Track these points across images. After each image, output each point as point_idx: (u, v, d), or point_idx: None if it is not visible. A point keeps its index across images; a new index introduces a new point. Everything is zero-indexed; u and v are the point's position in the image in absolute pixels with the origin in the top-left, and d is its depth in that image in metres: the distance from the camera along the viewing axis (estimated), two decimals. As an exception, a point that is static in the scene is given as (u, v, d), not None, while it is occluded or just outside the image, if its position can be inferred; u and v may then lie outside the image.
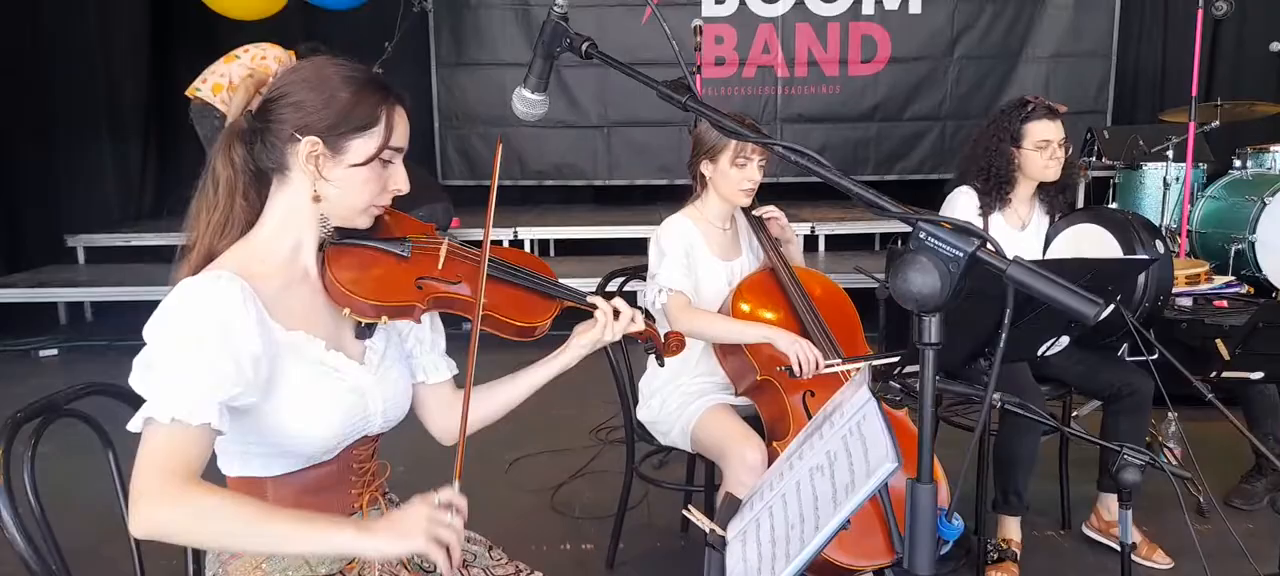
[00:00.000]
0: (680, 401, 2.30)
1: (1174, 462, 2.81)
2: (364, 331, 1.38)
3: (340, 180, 1.28)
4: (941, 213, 2.73)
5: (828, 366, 2.12)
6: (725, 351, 2.29)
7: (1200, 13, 4.17)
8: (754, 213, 2.42)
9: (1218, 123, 4.63)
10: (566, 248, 6.17)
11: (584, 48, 1.20)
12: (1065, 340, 2.09)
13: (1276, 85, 5.90)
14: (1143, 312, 2.60)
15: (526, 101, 1.23)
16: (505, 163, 6.78)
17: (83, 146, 6.22)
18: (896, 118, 7.29)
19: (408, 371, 1.46)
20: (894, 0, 7.14)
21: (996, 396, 1.75)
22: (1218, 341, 2.09)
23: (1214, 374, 2.24)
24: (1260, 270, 4.11)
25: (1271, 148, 4.66)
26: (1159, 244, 2.60)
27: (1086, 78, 7.08)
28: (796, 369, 2.10)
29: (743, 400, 2.31)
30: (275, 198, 1.31)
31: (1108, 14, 6.98)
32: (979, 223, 2.64)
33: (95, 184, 6.35)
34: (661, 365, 1.70)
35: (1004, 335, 0.92)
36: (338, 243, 1.35)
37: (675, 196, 2.42)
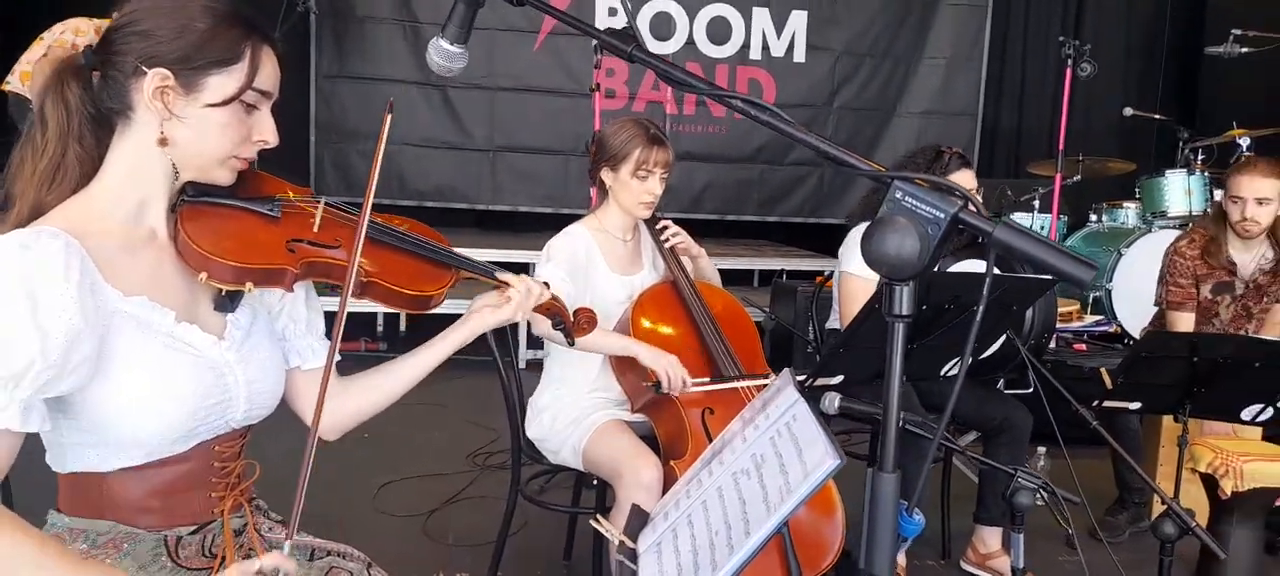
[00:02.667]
0: (572, 417, 2.17)
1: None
2: (225, 303, 1.18)
3: (194, 122, 1.09)
4: (847, 247, 2.72)
5: (696, 384, 2.06)
6: (622, 366, 2.18)
7: (1068, 72, 4.43)
8: (658, 230, 2.34)
9: (1079, 176, 4.92)
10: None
11: (514, -9, 1.07)
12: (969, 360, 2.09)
13: (1119, 145, 6.37)
14: (1029, 347, 2.67)
15: (444, 54, 1.09)
16: (383, 178, 6.49)
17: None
18: (779, 162, 7.44)
19: (279, 354, 1.27)
20: (780, 48, 7.33)
21: (902, 416, 1.72)
22: (1101, 370, 2.13)
23: (1096, 403, 2.29)
24: (1115, 316, 4.35)
25: (1125, 204, 4.98)
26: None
27: (955, 134, 7.45)
28: (665, 384, 2.04)
29: (639, 417, 2.19)
30: (118, 145, 1.11)
31: (975, 76, 7.39)
32: None
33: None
34: (571, 344, 1.58)
35: (977, 319, 0.84)
36: (194, 200, 1.16)
37: (560, 224, 2.32)
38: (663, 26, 7.01)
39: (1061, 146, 4.55)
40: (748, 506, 1.10)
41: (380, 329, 5.39)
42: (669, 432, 2.09)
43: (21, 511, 0.98)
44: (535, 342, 4.44)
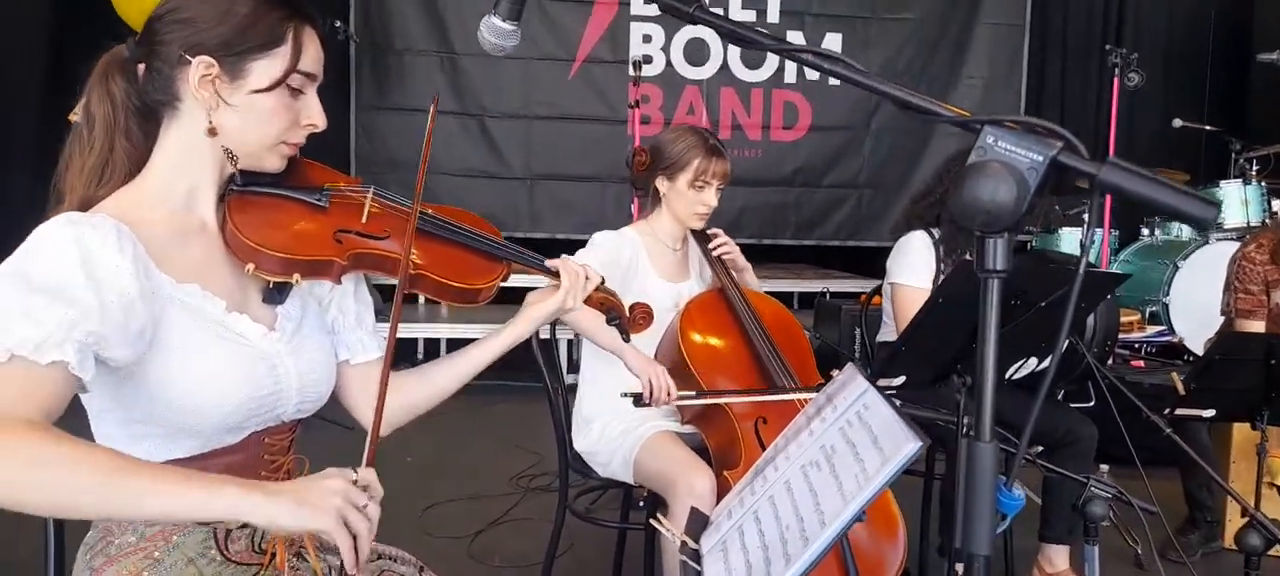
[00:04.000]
0: (623, 427, 2.12)
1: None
2: (274, 295, 1.16)
3: (242, 110, 1.08)
4: (895, 258, 2.66)
5: (680, 399, 1.98)
6: (672, 375, 2.12)
7: (1116, 81, 4.33)
8: (709, 241, 2.29)
9: (1130, 190, 4.79)
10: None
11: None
12: (1033, 362, 2.01)
13: (1166, 158, 6.22)
14: (1093, 354, 2.57)
15: (496, 31, 1.06)
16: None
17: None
18: (816, 184, 7.38)
19: (330, 347, 1.24)
20: (814, 71, 7.28)
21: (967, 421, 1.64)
22: (1173, 375, 2.04)
23: (1168, 410, 2.19)
24: (1174, 330, 4.21)
25: (1178, 217, 4.84)
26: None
27: (996, 154, 7.34)
28: (646, 395, 1.95)
29: (688, 429, 2.13)
30: (165, 136, 1.10)
31: (1015, 95, 7.29)
32: (939, 267, 2.56)
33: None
34: (627, 341, 1.53)
35: (1069, 311, 0.77)
36: (242, 190, 1.14)
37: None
38: (697, 52, 7.01)
39: (1111, 152, 4.43)
40: (820, 498, 1.04)
41: (420, 355, 5.39)
42: (720, 443, 2.02)
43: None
44: (576, 368, 4.41)
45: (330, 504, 0.91)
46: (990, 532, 0.73)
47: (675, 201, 2.19)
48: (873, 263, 6.53)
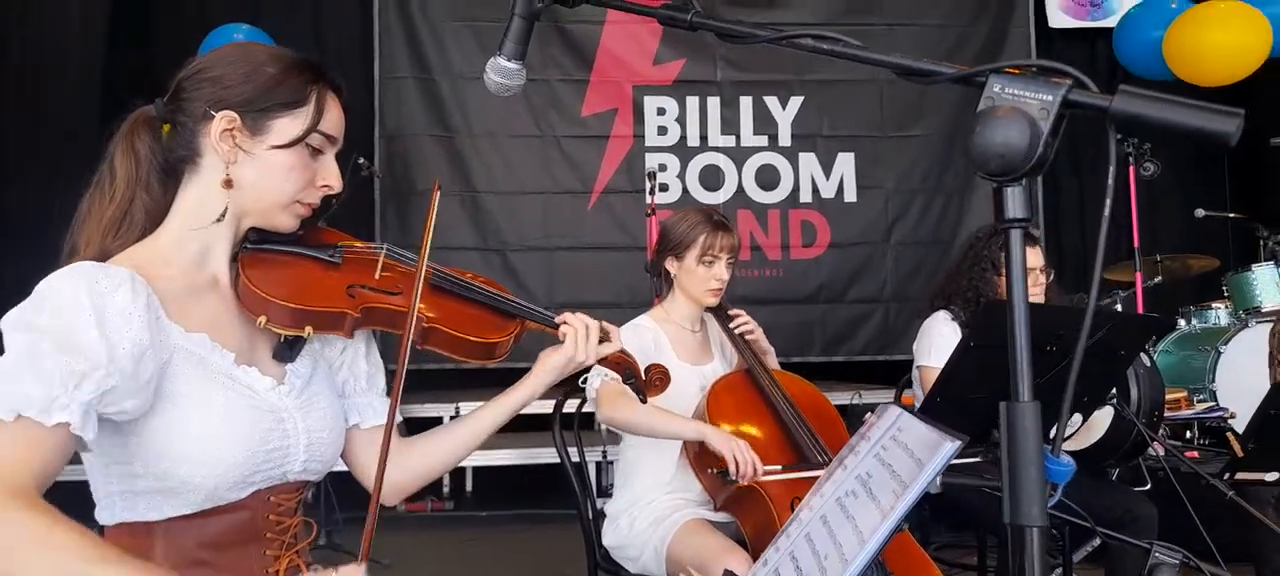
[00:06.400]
0: (653, 517, 2.03)
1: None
2: (285, 352, 1.14)
3: (259, 164, 1.10)
4: (920, 340, 2.62)
5: (769, 472, 1.90)
6: (700, 460, 2.05)
7: (1132, 170, 4.34)
8: (730, 320, 2.26)
9: (1160, 277, 4.72)
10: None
11: (573, -3, 1.06)
12: (1078, 419, 1.93)
13: (1190, 244, 6.14)
14: (1136, 434, 2.48)
15: (502, 71, 1.08)
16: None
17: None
18: (840, 300, 7.35)
19: (339, 409, 1.21)
20: (829, 189, 7.39)
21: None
22: (1229, 436, 1.94)
23: (1228, 475, 2.07)
24: (1221, 405, 4.05)
25: (1213, 304, 4.74)
26: (1142, 356, 2.51)
27: (1019, 257, 7.30)
28: (733, 470, 1.88)
29: (723, 517, 2.04)
30: (184, 192, 1.12)
31: (1032, 196, 7.32)
32: None
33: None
34: (644, 401, 1.48)
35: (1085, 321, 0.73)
36: (256, 248, 1.15)
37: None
38: (712, 177, 7.15)
39: (1136, 243, 4.39)
40: (858, 522, 0.98)
41: (446, 488, 5.30)
42: (757, 525, 1.93)
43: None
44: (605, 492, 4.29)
45: None
46: (1042, 502, 0.67)
47: (687, 281, 2.18)
48: (905, 375, 6.43)
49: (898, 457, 1.00)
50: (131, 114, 1.14)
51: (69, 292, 0.95)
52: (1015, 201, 0.70)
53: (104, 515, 1.05)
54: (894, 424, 1.09)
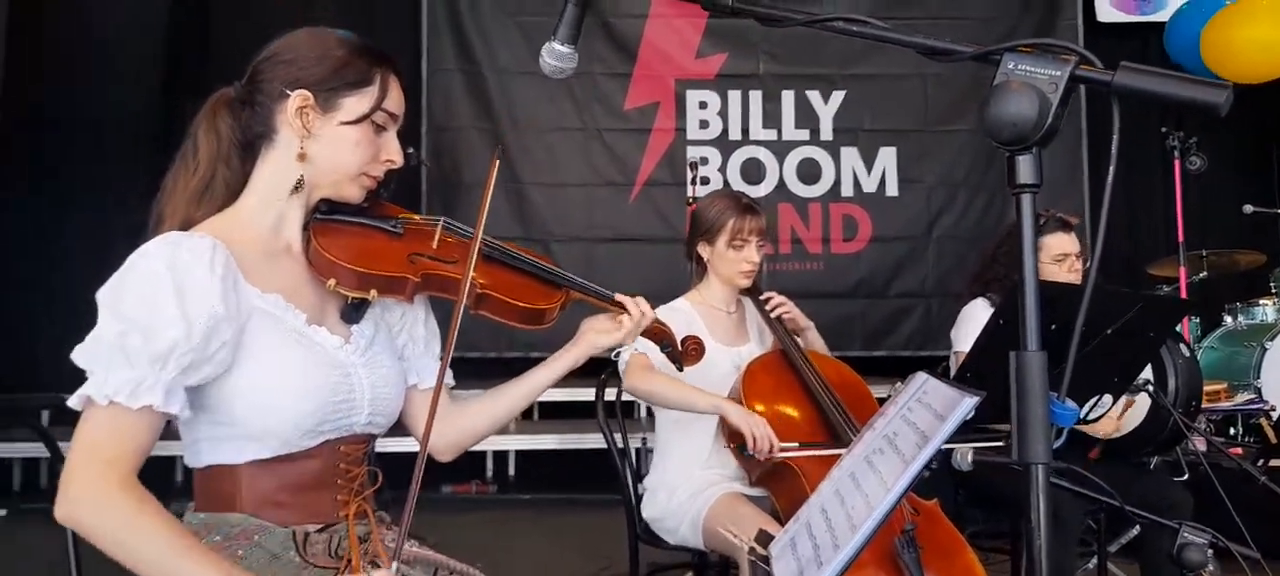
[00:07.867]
0: (690, 491, 2.11)
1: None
2: (351, 313, 1.25)
3: (330, 139, 1.20)
4: (958, 327, 2.66)
5: (784, 449, 1.96)
6: (726, 436, 2.13)
7: (1177, 163, 4.31)
8: (766, 302, 2.33)
9: (1205, 272, 4.68)
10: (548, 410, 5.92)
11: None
12: (1109, 400, 1.96)
13: (1238, 239, 6.04)
14: (1172, 424, 2.49)
15: (557, 55, 1.16)
16: (492, 328, 6.68)
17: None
18: (881, 295, 7.33)
19: (400, 369, 1.32)
20: (871, 183, 7.38)
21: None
22: (1262, 421, 1.96)
23: (1261, 462, 2.09)
24: (1264, 398, 4.01)
25: (1260, 300, 4.69)
26: (1182, 347, 2.53)
27: (1064, 254, 7.23)
28: (750, 445, 1.95)
29: (758, 492, 2.11)
30: (261, 166, 1.23)
31: (1078, 193, 7.24)
32: None
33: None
34: (680, 370, 1.56)
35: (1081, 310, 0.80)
36: (325, 217, 1.25)
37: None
38: (753, 171, 7.18)
39: (1180, 237, 4.35)
40: (884, 474, 1.04)
41: (490, 471, 5.42)
42: (791, 501, 1.99)
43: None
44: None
45: None
46: (1047, 441, 0.73)
47: (719, 264, 2.26)
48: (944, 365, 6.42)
49: (921, 415, 1.06)
50: (212, 95, 1.25)
51: (152, 270, 1.06)
52: (1026, 168, 0.76)
53: (191, 459, 1.17)
54: (920, 387, 1.15)
